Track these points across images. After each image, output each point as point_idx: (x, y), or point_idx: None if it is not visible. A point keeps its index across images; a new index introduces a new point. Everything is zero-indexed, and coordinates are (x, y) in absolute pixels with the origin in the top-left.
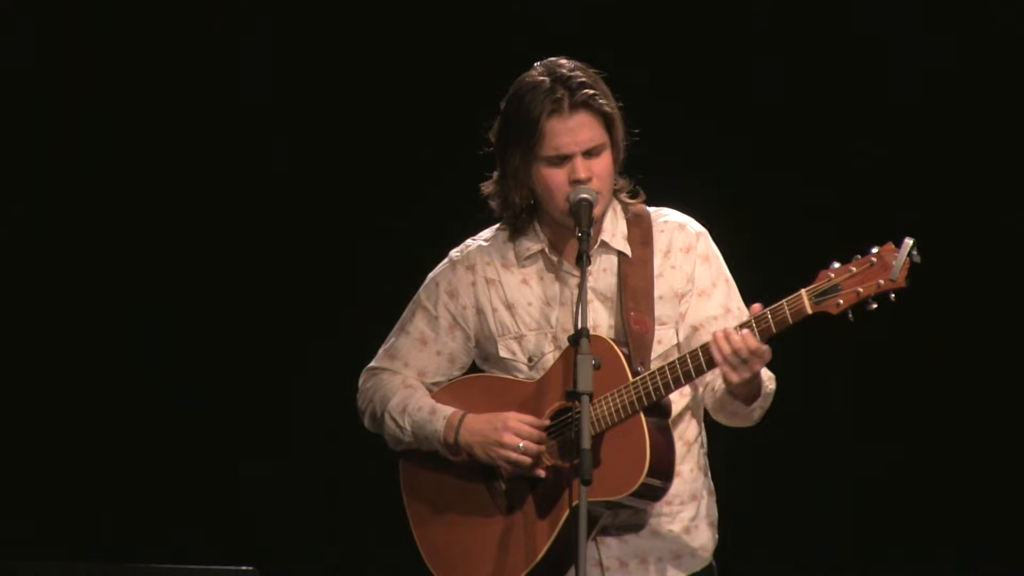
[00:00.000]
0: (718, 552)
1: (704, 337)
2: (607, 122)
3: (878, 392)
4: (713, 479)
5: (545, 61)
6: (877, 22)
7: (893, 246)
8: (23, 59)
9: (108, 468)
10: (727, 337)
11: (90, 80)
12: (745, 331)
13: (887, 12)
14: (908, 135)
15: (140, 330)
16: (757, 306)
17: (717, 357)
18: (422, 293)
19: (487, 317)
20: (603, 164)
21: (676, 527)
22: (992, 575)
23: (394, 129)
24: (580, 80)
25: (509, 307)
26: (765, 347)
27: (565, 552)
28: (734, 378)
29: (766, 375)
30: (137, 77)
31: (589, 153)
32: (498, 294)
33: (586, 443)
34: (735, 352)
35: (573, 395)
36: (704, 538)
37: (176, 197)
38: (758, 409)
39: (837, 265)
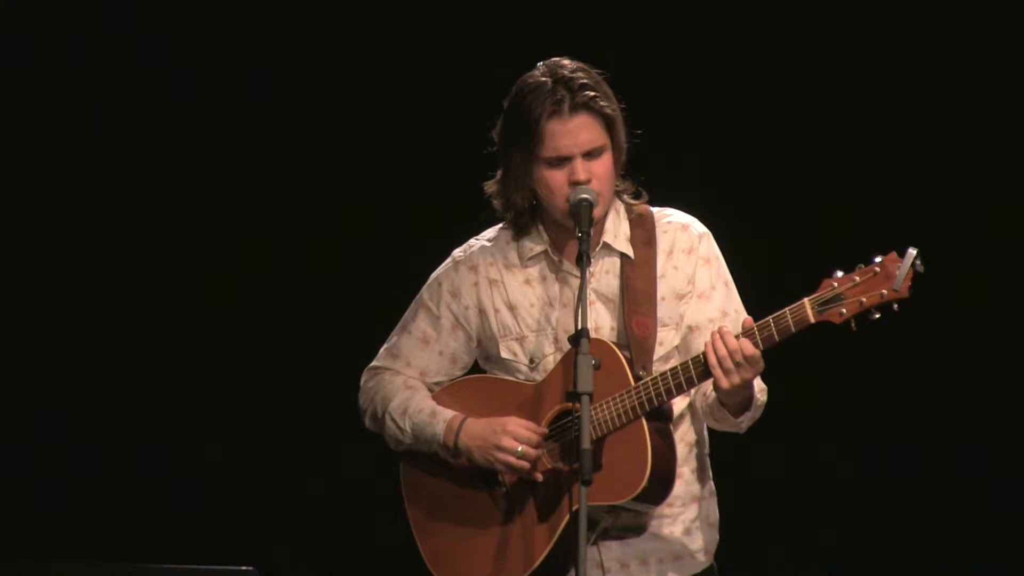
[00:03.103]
0: (719, 553)
1: (700, 339)
2: (608, 124)
3: (879, 393)
4: (714, 480)
5: (548, 61)
6: (879, 24)
7: (896, 256)
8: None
9: (108, 468)
10: (723, 338)
11: (89, 81)
12: (743, 338)
13: (889, 14)
14: (914, 142)
15: (140, 329)
16: (748, 319)
17: (711, 359)
18: (425, 292)
19: (489, 318)
20: (603, 165)
21: (677, 528)
22: (991, 574)
23: (398, 127)
24: (582, 81)
25: (511, 308)
26: (759, 356)
27: (566, 554)
28: (724, 384)
29: (758, 387)
30: (137, 77)
31: (589, 155)
32: (500, 295)
33: (586, 443)
34: (729, 354)
35: (573, 395)
36: (705, 539)
37: (176, 197)
38: (746, 421)
39: (840, 274)
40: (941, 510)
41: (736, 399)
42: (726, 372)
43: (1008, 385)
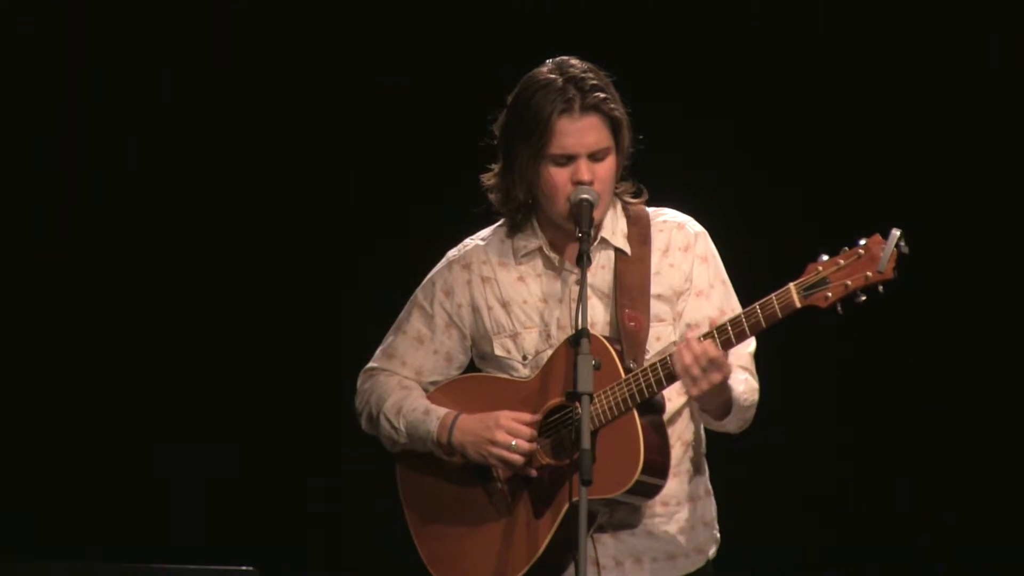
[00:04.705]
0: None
1: None
2: (614, 127)
3: (877, 392)
4: (710, 479)
5: (556, 59)
6: (871, 20)
7: (880, 237)
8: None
9: (108, 468)
10: (688, 346)
11: (91, 80)
12: (707, 341)
13: (880, 9)
14: (895, 128)
15: (142, 330)
16: (714, 320)
17: (678, 367)
18: (419, 292)
19: (482, 315)
20: (606, 168)
21: (672, 527)
22: (990, 574)
23: (395, 129)
24: (592, 82)
25: (504, 305)
26: (723, 359)
27: (563, 550)
28: (694, 391)
29: (749, 387)
30: (139, 77)
31: (594, 156)
32: (494, 292)
33: (586, 443)
34: (695, 360)
35: (573, 395)
36: (700, 539)
37: (178, 195)
38: (732, 424)
39: (825, 258)
40: (941, 509)
41: (712, 405)
42: (694, 379)
43: (1007, 380)
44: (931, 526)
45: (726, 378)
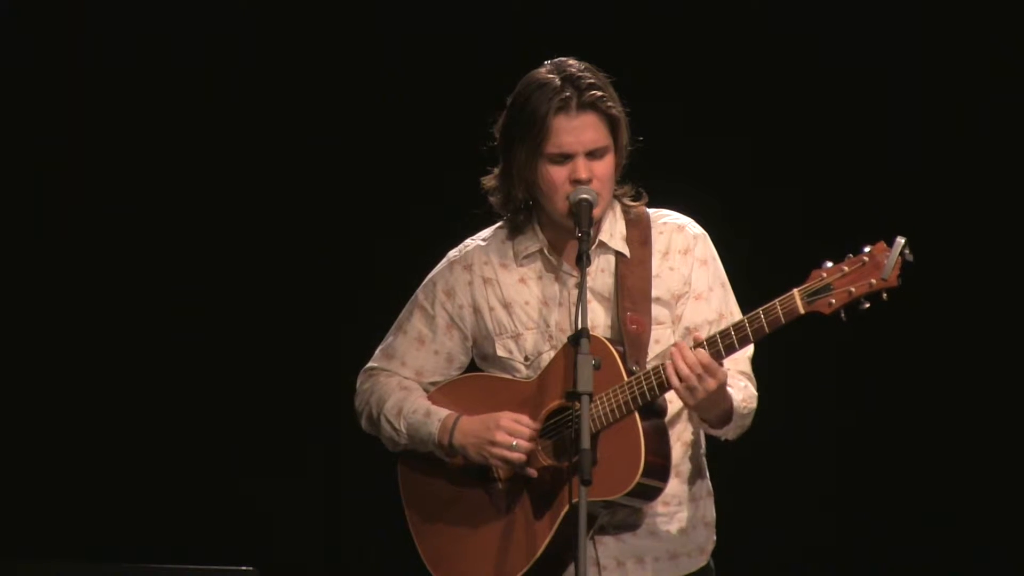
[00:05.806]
0: (715, 553)
1: None
2: (612, 125)
3: (880, 392)
4: (711, 480)
5: (555, 60)
6: (875, 27)
7: (885, 245)
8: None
9: (108, 468)
10: (681, 355)
11: (92, 81)
12: (698, 349)
13: (885, 18)
14: (902, 135)
15: (142, 330)
16: (699, 336)
17: (672, 380)
18: (420, 293)
19: (484, 316)
20: (605, 166)
21: (673, 527)
22: (988, 573)
23: (395, 129)
24: (589, 81)
25: (506, 306)
26: (716, 365)
27: (563, 551)
28: (691, 401)
29: (747, 394)
30: (140, 77)
31: (592, 154)
32: (495, 293)
33: (586, 443)
34: (690, 368)
35: (573, 395)
36: (701, 539)
37: (180, 197)
38: (731, 431)
39: (829, 264)
40: (940, 509)
41: (711, 414)
42: (691, 390)
43: (1006, 379)
44: (933, 526)
45: (722, 384)
